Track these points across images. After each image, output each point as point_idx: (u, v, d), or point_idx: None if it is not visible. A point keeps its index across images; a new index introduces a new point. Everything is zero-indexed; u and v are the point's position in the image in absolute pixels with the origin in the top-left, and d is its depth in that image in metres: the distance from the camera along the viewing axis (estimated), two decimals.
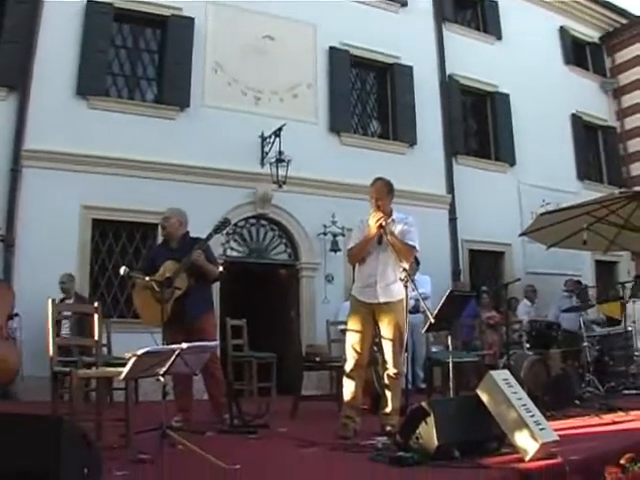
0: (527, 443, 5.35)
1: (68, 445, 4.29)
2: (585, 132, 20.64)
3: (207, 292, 8.46)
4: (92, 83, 12.98)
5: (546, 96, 18.71)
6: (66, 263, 11.90)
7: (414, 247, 7.25)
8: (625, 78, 21.52)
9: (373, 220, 7.08)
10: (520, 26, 19.00)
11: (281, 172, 13.55)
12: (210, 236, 8.28)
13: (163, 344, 7.35)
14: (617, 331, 13.08)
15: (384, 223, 7.00)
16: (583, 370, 11.49)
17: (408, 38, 16.79)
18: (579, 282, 16.11)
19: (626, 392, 11.49)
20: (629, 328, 12.95)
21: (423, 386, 12.29)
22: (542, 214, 14.82)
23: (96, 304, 7.35)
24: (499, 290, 13.96)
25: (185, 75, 13.82)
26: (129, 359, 5.29)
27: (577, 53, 21.34)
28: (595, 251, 17.32)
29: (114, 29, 13.78)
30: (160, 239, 12.42)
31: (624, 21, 21.85)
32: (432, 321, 6.75)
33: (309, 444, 6.50)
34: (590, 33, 21.86)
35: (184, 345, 5.46)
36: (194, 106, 13.78)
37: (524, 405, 5.58)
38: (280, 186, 13.64)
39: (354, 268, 7.62)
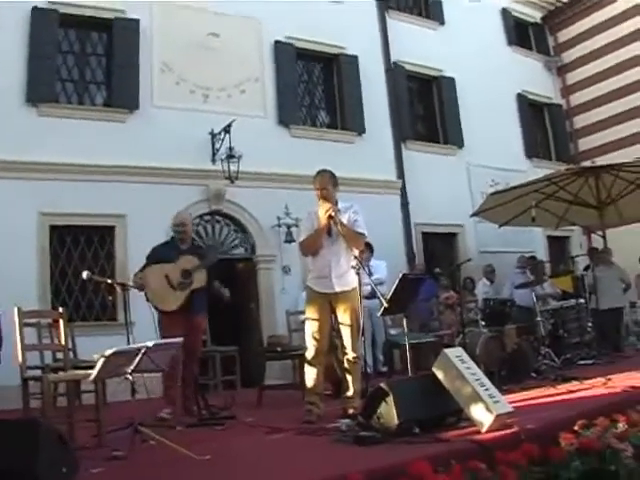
0: (483, 415, 5.57)
1: (45, 446, 4.46)
2: (531, 111, 21.00)
3: (205, 296, 8.70)
4: (41, 90, 12.93)
5: (491, 77, 18.97)
6: (26, 270, 11.93)
7: (363, 234, 7.47)
8: (568, 56, 21.87)
9: (322, 211, 7.30)
10: (462, 10, 19.27)
11: (232, 167, 13.65)
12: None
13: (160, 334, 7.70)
14: (569, 304, 13.39)
15: (333, 214, 7.21)
16: (538, 344, 11.78)
17: (352, 28, 16.92)
18: (533, 257, 16.38)
19: (581, 362, 11.79)
20: (581, 300, 13.28)
21: (384, 369, 12.51)
22: (492, 194, 15.04)
23: (61, 309, 7.49)
24: (453, 271, 14.18)
25: (133, 77, 13.80)
26: (98, 360, 5.45)
27: (520, 34, 21.65)
28: (546, 227, 17.66)
29: (60, 35, 13.70)
30: (119, 242, 12.77)
31: (565, 0, 22.16)
32: (386, 305, 6.99)
33: (276, 431, 6.66)
34: (532, 13, 22.22)
35: (149, 343, 5.65)
36: (143, 107, 13.79)
37: (478, 380, 5.80)
38: (232, 181, 13.74)
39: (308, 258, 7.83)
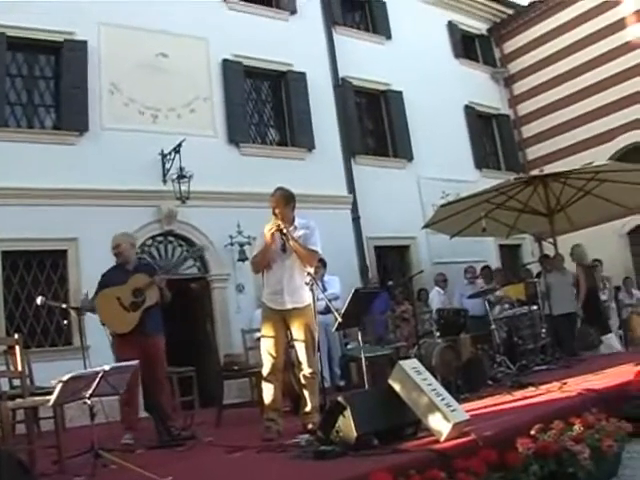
0: (440, 425, 5.64)
1: (7, 473, 4.44)
2: (479, 122, 21.29)
3: (159, 314, 8.62)
4: None
5: (439, 90, 19.25)
6: None
7: (316, 251, 7.55)
8: (514, 67, 22.27)
9: (267, 228, 7.37)
10: (409, 24, 19.51)
11: (183, 188, 13.68)
12: (181, 262, 8.64)
13: (115, 359, 7.62)
14: (523, 311, 13.52)
15: (284, 230, 7.27)
16: (494, 352, 11.89)
17: (300, 45, 17.05)
18: (488, 267, 16.47)
19: (537, 368, 11.92)
20: (534, 307, 13.42)
21: (342, 383, 12.57)
22: (442, 205, 15.18)
23: (16, 336, 7.44)
24: (405, 283, 14.28)
25: (82, 99, 13.74)
26: (56, 385, 5.45)
27: (467, 46, 21.99)
28: (497, 237, 17.85)
29: (8, 58, 13.59)
30: (71, 265, 12.67)
31: (510, 12, 22.69)
32: (339, 320, 7.06)
33: (236, 449, 6.64)
34: (478, 25, 22.54)
35: (106, 367, 5.65)
36: (93, 129, 13.72)
37: (434, 390, 5.87)
38: (183, 202, 13.77)
39: (263, 275, 7.86)
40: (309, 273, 7.11)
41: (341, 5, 19.01)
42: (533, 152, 21.54)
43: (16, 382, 8.94)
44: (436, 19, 20.87)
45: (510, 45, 22.48)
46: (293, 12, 17.50)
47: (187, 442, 7.67)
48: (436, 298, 15.37)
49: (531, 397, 8.19)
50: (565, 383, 8.66)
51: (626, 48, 19.02)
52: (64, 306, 8.21)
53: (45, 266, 13.09)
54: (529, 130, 21.77)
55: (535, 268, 16.21)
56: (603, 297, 15.53)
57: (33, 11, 13.44)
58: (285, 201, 7.61)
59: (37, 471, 5.99)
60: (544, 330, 13.20)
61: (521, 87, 22.03)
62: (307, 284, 7.07)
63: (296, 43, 17.00)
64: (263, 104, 17.08)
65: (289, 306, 7.42)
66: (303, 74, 17.02)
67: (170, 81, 14.77)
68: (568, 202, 14.16)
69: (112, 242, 8.70)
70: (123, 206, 13.37)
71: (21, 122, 13.71)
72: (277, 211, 7.49)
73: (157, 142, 14.04)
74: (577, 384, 8.47)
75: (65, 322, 11.80)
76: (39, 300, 7.75)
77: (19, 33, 13.52)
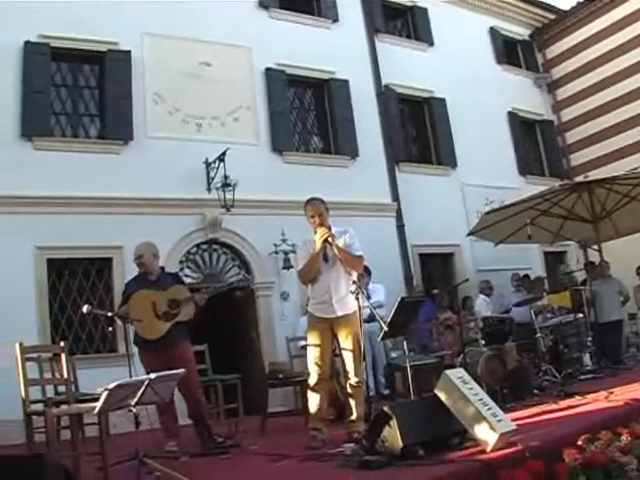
0: (487, 435, 5.58)
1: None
2: (523, 128, 21.08)
3: (186, 326, 8.54)
4: (35, 124, 12.93)
5: (482, 97, 19.07)
6: (25, 304, 11.86)
7: (361, 256, 7.52)
8: (557, 72, 22.02)
9: (318, 235, 7.35)
10: (451, 31, 19.39)
11: (228, 196, 13.70)
12: (224, 287, 8.69)
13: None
14: (568, 320, 13.38)
15: (330, 239, 7.26)
16: (539, 360, 11.79)
17: (342, 52, 17.04)
18: (527, 276, 16.38)
19: (582, 377, 11.80)
20: (579, 315, 13.29)
21: (386, 392, 12.50)
22: (487, 213, 15.07)
23: (62, 344, 7.49)
24: (450, 292, 14.22)
25: (126, 108, 13.82)
26: (101, 393, 5.46)
27: (509, 51, 21.79)
28: (542, 243, 17.71)
29: (53, 68, 13.71)
30: (116, 273, 12.75)
31: (552, 16, 22.39)
32: (385, 329, 7.01)
33: (281, 458, 6.63)
34: (520, 31, 22.34)
35: (152, 375, 5.66)
36: (138, 138, 13.78)
37: (480, 400, 5.82)
38: (228, 210, 13.76)
39: (308, 286, 7.82)
40: (354, 281, 7.07)
41: (383, 13, 18.97)
42: (577, 158, 21.30)
43: (61, 388, 9.01)
44: (478, 25, 20.75)
45: (552, 50, 22.29)
46: (335, 20, 17.51)
47: (231, 450, 7.68)
48: (483, 305, 15.25)
49: (577, 406, 8.13)
50: (612, 392, 8.58)
51: None
52: (110, 314, 8.17)
53: (90, 274, 13.17)
54: (573, 136, 21.54)
55: (580, 276, 16.04)
56: None
57: (76, 22, 13.56)
58: (325, 207, 7.62)
59: (81, 478, 6.05)
60: (590, 338, 13.05)
61: (564, 92, 21.81)
62: (352, 292, 7.02)
63: (338, 51, 16.99)
64: (306, 112, 17.09)
65: (339, 313, 7.41)
66: (346, 82, 17.00)
67: (213, 90, 14.82)
68: (613, 208, 14.03)
69: (134, 252, 8.56)
70: (168, 214, 13.45)
71: (66, 131, 13.82)
72: (322, 219, 7.48)
73: (201, 151, 14.08)
74: (624, 393, 8.41)
75: (110, 329, 11.83)
76: (85, 308, 7.72)
77: (63, 44, 13.64)
